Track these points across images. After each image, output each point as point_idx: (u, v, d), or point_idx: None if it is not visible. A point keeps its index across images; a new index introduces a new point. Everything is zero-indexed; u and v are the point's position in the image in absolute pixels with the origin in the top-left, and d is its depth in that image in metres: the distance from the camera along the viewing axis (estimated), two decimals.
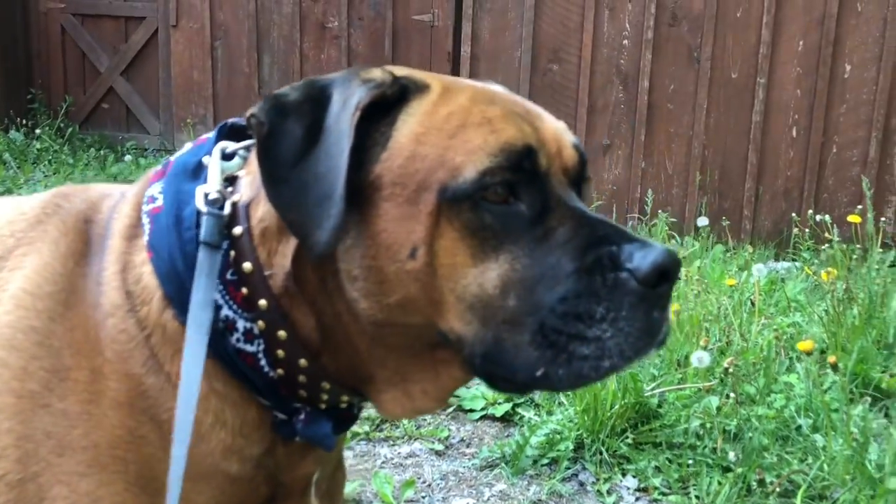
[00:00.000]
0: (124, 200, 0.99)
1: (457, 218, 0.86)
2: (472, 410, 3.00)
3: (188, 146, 1.02)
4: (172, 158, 1.00)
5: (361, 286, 0.89)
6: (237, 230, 0.91)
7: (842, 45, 5.46)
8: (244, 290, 0.91)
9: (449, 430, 2.88)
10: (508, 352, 0.86)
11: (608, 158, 5.94)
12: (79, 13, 7.31)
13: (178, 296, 0.89)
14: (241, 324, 0.90)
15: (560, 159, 0.94)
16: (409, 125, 0.89)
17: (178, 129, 7.18)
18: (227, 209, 0.90)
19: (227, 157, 0.95)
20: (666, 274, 0.84)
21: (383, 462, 2.67)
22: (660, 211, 5.39)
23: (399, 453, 2.72)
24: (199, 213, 0.90)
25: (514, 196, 0.88)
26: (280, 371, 0.92)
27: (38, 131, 7.04)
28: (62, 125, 7.25)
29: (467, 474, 2.60)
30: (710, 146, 5.78)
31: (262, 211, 0.91)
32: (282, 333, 0.91)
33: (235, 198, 0.93)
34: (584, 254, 0.86)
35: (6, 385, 0.87)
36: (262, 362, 0.91)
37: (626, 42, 5.81)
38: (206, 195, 0.89)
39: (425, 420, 2.95)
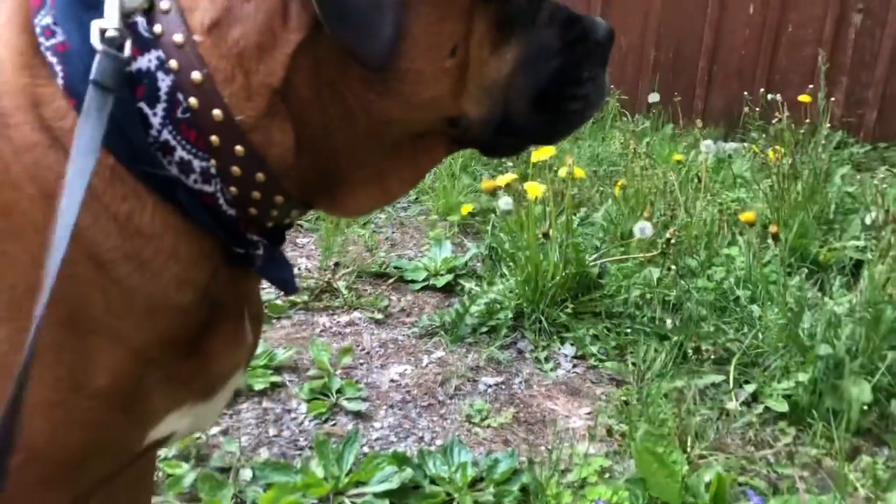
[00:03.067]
0: None
1: (486, 13, 0.92)
2: (413, 281, 2.97)
3: None
4: None
5: (388, 88, 0.88)
6: (193, 73, 0.84)
7: None
8: (197, 131, 0.84)
9: (389, 300, 2.85)
10: (515, 121, 0.99)
11: None
12: None
13: (118, 147, 0.82)
14: (196, 164, 0.85)
15: None
16: None
17: None
18: (127, 48, 0.81)
19: None
20: (613, 39, 1.07)
21: (322, 331, 2.63)
22: (612, 88, 5.29)
23: (338, 322, 2.69)
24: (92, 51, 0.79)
25: None
26: (234, 191, 0.87)
27: None
28: None
29: (406, 342, 2.58)
30: (665, 23, 5.64)
31: (240, 32, 0.84)
32: (238, 149, 0.85)
33: (158, 30, 0.83)
34: (564, 32, 1.01)
35: None
36: (220, 200, 0.87)
37: None
38: (103, 32, 0.80)
39: (365, 290, 2.91)
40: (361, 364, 2.45)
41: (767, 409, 2.19)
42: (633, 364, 2.40)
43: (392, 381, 2.37)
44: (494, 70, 0.95)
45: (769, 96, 4.56)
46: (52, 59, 0.83)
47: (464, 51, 0.91)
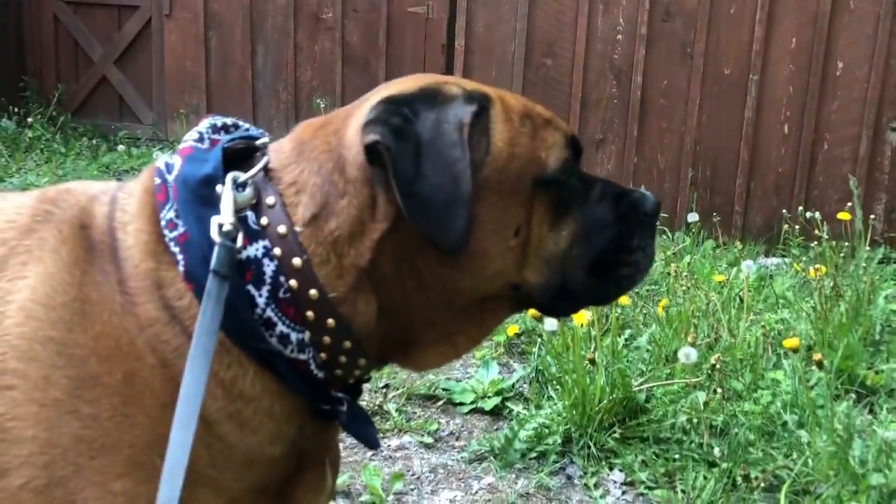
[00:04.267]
0: (125, 211, 1.01)
1: (545, 198, 1.08)
2: (461, 404, 3.03)
3: (178, 159, 1.04)
4: (171, 177, 1.02)
5: (459, 265, 1.03)
6: (294, 259, 0.98)
7: (834, 43, 5.48)
8: (295, 307, 0.98)
9: (439, 423, 2.90)
10: (571, 287, 1.12)
11: (601, 153, 5.96)
12: (72, 1, 7.28)
13: (229, 324, 0.95)
14: (294, 336, 0.98)
15: None
16: (498, 132, 1.06)
17: (170, 119, 7.16)
18: (240, 240, 0.96)
19: (238, 186, 1.00)
20: (659, 211, 1.21)
21: (373, 454, 2.69)
22: None
23: (389, 446, 2.75)
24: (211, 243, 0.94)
25: (572, 174, 1.13)
26: (323, 357, 1.00)
27: (29, 120, 7.00)
28: (54, 114, 7.23)
29: (456, 467, 2.62)
30: (701, 142, 5.80)
31: (336, 223, 0.99)
32: (330, 322, 0.99)
33: (264, 222, 0.99)
34: (615, 206, 1.16)
35: (27, 395, 0.88)
36: (312, 366, 0.99)
37: (619, 37, 5.82)
38: (221, 226, 0.94)
39: (415, 413, 2.97)
40: (413, 490, 2.49)
41: None
42: (683, 491, 2.41)
43: None
44: (553, 244, 1.10)
45: (808, 214, 4.64)
46: (175, 249, 0.97)
47: (526, 230, 1.06)
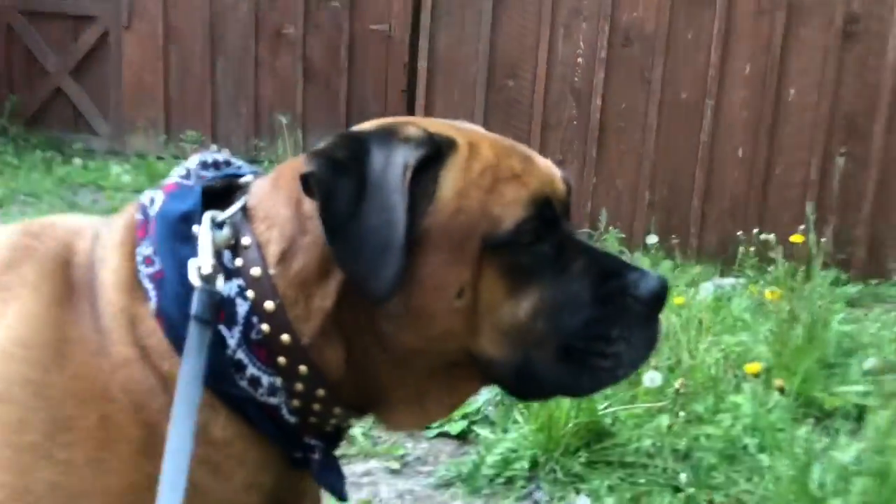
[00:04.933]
0: (104, 247, 0.99)
1: (497, 260, 0.98)
2: (428, 428, 3.03)
3: (161, 195, 1.03)
4: (152, 213, 1.00)
5: (403, 322, 0.97)
6: (266, 303, 0.95)
7: (787, 70, 5.65)
8: (267, 350, 0.96)
9: (405, 447, 2.90)
10: (536, 368, 1.00)
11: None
12: (27, 10, 7.14)
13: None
14: (265, 379, 0.95)
15: (559, 197, 1.07)
16: (450, 181, 0.98)
17: (127, 132, 7.07)
18: (219, 283, 0.93)
19: (216, 225, 0.97)
20: (662, 298, 1.02)
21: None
22: (611, 227, 5.49)
23: (354, 472, 2.73)
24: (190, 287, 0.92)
25: (539, 239, 1.00)
26: (296, 403, 0.97)
27: None
28: (6, 125, 7.07)
29: (423, 493, 2.62)
30: (659, 164, 5.91)
31: (302, 262, 0.96)
32: (302, 368, 0.96)
33: (239, 263, 0.97)
34: (598, 285, 1.01)
35: (4, 439, 0.86)
36: (284, 411, 0.97)
37: (580, 60, 5.91)
38: (199, 269, 0.91)
39: (380, 437, 2.96)
40: None
41: None
42: None
43: None
44: (509, 314, 0.98)
45: (762, 236, 4.75)
46: (148, 286, 0.95)
47: (472, 294, 0.97)
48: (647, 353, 1.04)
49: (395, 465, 2.77)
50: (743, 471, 2.62)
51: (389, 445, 2.89)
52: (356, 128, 1.06)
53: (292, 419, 0.97)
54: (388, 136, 0.98)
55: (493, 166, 1.01)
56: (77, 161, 6.77)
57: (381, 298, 0.92)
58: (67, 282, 0.95)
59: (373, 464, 2.78)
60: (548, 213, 1.01)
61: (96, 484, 0.88)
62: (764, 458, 2.63)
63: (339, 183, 0.92)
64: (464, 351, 1.00)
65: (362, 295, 0.93)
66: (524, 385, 1.03)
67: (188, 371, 0.86)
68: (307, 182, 0.94)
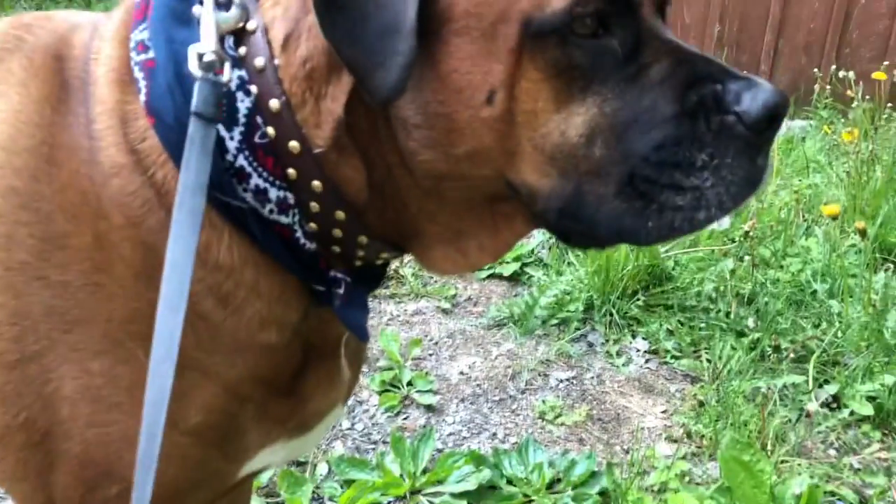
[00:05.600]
0: (101, 38, 0.83)
1: (541, 55, 0.72)
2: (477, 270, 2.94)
3: None
4: None
5: (424, 135, 0.76)
6: (271, 101, 0.77)
7: None
8: (273, 159, 0.79)
9: (455, 288, 2.82)
10: (590, 205, 0.77)
11: None
12: None
13: None
14: (273, 193, 0.79)
15: None
16: None
17: None
18: (226, 73, 0.75)
19: (221, 5, 0.78)
20: (777, 117, 0.74)
21: (389, 319, 2.63)
22: None
23: (405, 311, 2.68)
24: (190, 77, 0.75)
25: (604, 29, 0.74)
26: (313, 226, 0.82)
27: None
28: None
29: (474, 333, 2.56)
30: None
31: (307, 49, 0.77)
32: (316, 184, 0.79)
33: (243, 52, 0.78)
34: (684, 94, 0.74)
35: None
36: (298, 233, 0.81)
37: None
38: (201, 56, 0.74)
39: (431, 278, 2.89)
40: (430, 355, 2.44)
41: (851, 411, 2.13)
42: (709, 360, 2.35)
43: (462, 373, 2.35)
44: (558, 132, 0.75)
45: (840, 73, 4.39)
46: (139, 75, 0.79)
47: (506, 99, 0.74)
48: (744, 193, 0.76)
49: (446, 306, 2.70)
50: (811, 317, 2.49)
51: (440, 286, 2.82)
52: None
53: (310, 245, 0.82)
54: None
55: None
56: None
57: (387, 97, 0.72)
58: (60, 79, 0.81)
59: (423, 303, 2.72)
60: None
61: (97, 310, 0.78)
62: (834, 305, 2.49)
63: None
64: (501, 179, 0.79)
65: (364, 91, 0.74)
66: (572, 225, 0.80)
67: (189, 178, 0.71)
68: None
